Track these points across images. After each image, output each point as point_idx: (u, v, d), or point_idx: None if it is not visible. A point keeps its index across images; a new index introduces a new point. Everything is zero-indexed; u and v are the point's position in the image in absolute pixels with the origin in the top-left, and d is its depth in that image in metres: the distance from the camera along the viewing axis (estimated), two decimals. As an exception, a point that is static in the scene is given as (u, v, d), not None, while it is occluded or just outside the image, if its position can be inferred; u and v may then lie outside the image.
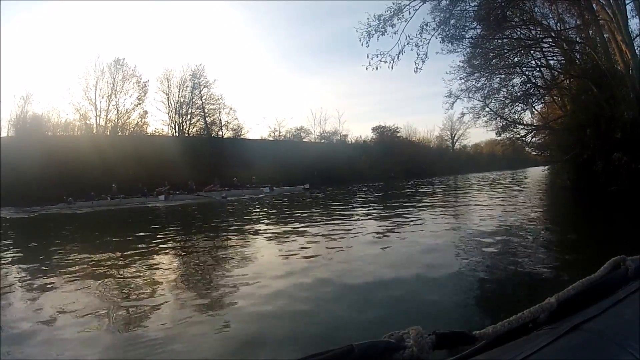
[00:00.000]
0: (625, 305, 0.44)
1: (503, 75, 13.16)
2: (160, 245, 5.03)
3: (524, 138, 13.99)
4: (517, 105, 13.26)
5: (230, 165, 21.91)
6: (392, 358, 0.34)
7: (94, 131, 26.66)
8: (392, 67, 10.34)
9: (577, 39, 11.60)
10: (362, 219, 6.57)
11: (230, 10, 61.69)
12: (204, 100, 29.97)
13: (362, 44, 10.25)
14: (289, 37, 61.57)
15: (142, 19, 54.18)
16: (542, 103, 14.47)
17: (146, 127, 29.23)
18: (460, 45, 11.87)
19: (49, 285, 3.19)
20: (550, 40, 11.96)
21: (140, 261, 4.06)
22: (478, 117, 13.75)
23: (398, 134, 40.38)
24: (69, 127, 26.71)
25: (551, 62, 13.10)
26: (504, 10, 10.49)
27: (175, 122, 29.70)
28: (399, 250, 3.95)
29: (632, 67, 9.12)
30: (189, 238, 5.71)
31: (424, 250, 3.84)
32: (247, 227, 6.65)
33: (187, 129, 29.97)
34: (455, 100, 13.45)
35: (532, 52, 12.64)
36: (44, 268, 3.88)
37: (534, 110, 14.23)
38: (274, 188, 16.89)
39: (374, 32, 10.28)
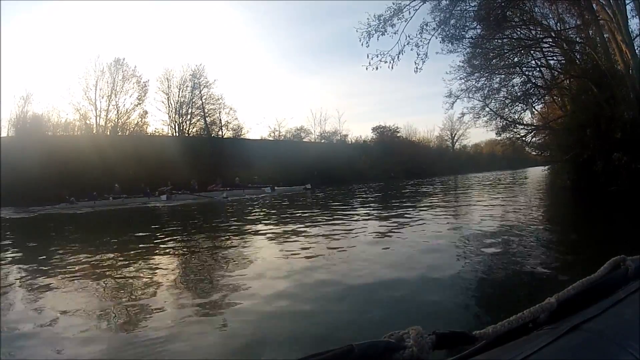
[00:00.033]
0: (625, 305, 0.44)
1: (503, 75, 13.18)
2: (161, 246, 5.03)
3: (524, 138, 14.01)
4: (517, 105, 13.29)
5: (231, 165, 21.89)
6: (392, 358, 0.34)
7: (94, 131, 26.64)
8: (392, 67, 10.36)
9: (577, 39, 11.61)
10: (363, 219, 6.57)
11: (230, 10, 61.69)
12: (204, 100, 29.97)
13: (362, 44, 10.26)
14: (289, 37, 61.57)
15: (142, 19, 54.14)
16: (542, 103, 14.50)
17: (146, 127, 29.24)
18: (460, 45, 11.89)
19: (49, 286, 3.19)
20: (550, 40, 11.96)
21: (141, 261, 4.06)
22: (478, 117, 13.78)
23: (398, 134, 40.39)
24: (69, 127, 26.71)
25: (551, 62, 13.13)
26: (504, 10, 10.50)
27: (175, 122, 29.70)
28: (399, 250, 3.95)
29: (632, 67, 9.12)
30: (190, 238, 5.71)
31: (424, 250, 3.85)
32: (248, 227, 6.65)
33: (187, 129, 29.96)
34: (455, 100, 13.47)
35: (532, 52, 12.65)
36: (44, 268, 3.88)
37: (534, 110, 14.25)
38: (275, 188, 16.86)
39: (374, 32, 10.29)
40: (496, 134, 13.92)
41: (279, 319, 2.25)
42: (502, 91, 13.43)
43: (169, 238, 5.68)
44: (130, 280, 3.31)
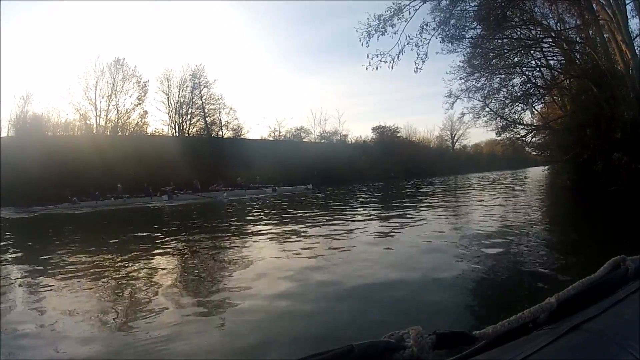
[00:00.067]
0: (625, 305, 0.44)
1: (503, 75, 13.19)
2: (161, 246, 5.03)
3: (524, 138, 14.02)
4: (517, 105, 13.30)
5: (231, 165, 21.89)
6: (392, 358, 0.34)
7: (94, 131, 26.63)
8: (392, 67, 10.37)
9: (577, 39, 11.62)
10: (363, 219, 6.57)
11: (230, 10, 61.63)
12: (204, 100, 29.96)
13: (362, 44, 10.27)
14: (289, 37, 61.53)
15: (142, 19, 54.07)
16: (542, 103, 14.51)
17: (146, 127, 29.22)
18: (460, 45, 11.90)
19: (49, 286, 3.19)
20: (550, 40, 11.97)
21: (141, 261, 4.06)
22: (478, 117, 13.79)
23: (398, 134, 40.38)
24: (69, 127, 26.69)
25: (551, 62, 13.14)
26: (504, 10, 10.50)
27: (175, 122, 29.69)
28: (399, 251, 3.95)
29: (632, 67, 9.12)
30: (190, 238, 5.71)
31: (424, 250, 3.85)
32: (248, 227, 6.65)
33: (187, 129, 29.95)
34: (455, 100, 13.48)
35: (532, 52, 12.66)
36: (44, 268, 3.88)
37: (534, 110, 14.27)
38: (277, 188, 16.83)
39: (374, 32, 10.30)
40: (496, 134, 13.95)
41: (279, 319, 2.25)
42: (502, 91, 13.46)
43: (169, 238, 5.68)
44: (130, 281, 3.31)
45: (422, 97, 71.53)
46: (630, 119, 8.77)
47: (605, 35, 10.16)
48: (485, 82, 13.00)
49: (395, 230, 5.17)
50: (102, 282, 3.26)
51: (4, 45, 37.98)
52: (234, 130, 31.44)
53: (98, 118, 27.07)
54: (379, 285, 2.74)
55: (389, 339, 0.36)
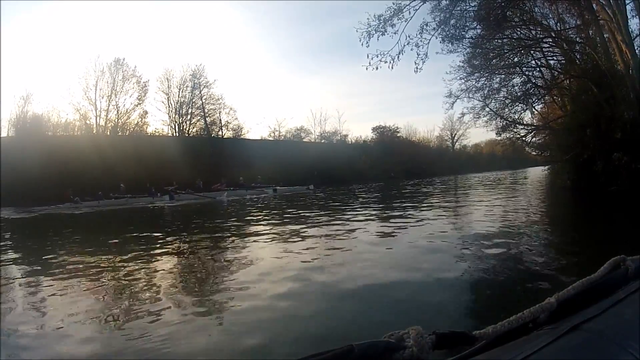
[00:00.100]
0: (625, 305, 0.44)
1: (503, 75, 13.19)
2: (161, 246, 5.03)
3: (524, 138, 14.02)
4: (517, 105, 13.30)
5: (231, 165, 21.89)
6: (392, 358, 0.34)
7: (94, 131, 26.65)
8: (392, 67, 10.37)
9: (577, 39, 11.62)
10: (363, 220, 6.57)
11: (230, 10, 61.72)
12: (204, 100, 29.97)
13: (362, 44, 10.28)
14: (289, 37, 61.60)
15: (142, 19, 54.13)
16: (542, 103, 14.52)
17: (146, 127, 29.25)
18: (460, 45, 11.91)
19: (49, 286, 3.18)
20: (550, 40, 11.97)
21: (141, 262, 4.06)
22: (478, 117, 13.80)
23: (398, 134, 40.40)
24: (69, 127, 26.72)
25: (551, 62, 13.14)
26: (504, 10, 10.50)
27: (175, 122, 29.71)
28: (400, 251, 3.95)
29: (632, 67, 9.12)
30: (191, 238, 5.71)
31: (424, 250, 3.84)
32: (249, 227, 6.65)
33: (187, 129, 29.96)
34: (455, 100, 13.49)
35: (532, 52, 12.66)
36: (45, 268, 3.88)
37: (534, 110, 14.27)
38: (277, 189, 16.80)
39: (374, 32, 10.30)
40: (496, 134, 13.95)
41: (279, 318, 2.25)
42: (502, 91, 13.46)
43: (169, 238, 5.68)
44: (130, 281, 3.30)
45: (422, 97, 71.69)
46: (630, 119, 8.77)
47: (605, 35, 10.16)
48: (485, 82, 13.02)
49: (396, 231, 5.17)
50: (102, 282, 3.26)
51: (4, 45, 37.99)
52: (234, 130, 31.49)
53: (98, 118, 27.13)
54: (379, 285, 2.73)
55: (389, 339, 0.36)
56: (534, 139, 14.55)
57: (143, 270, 3.67)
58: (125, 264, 3.94)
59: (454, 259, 3.42)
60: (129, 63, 27.91)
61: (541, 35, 11.96)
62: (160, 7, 56.77)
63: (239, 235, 5.79)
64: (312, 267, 3.41)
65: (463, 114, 14.36)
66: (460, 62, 12.84)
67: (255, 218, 8.24)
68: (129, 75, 27.71)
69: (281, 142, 33.85)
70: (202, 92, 29.75)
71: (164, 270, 3.67)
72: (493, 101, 13.41)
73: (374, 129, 39.79)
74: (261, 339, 1.97)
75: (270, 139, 34.44)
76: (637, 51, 9.35)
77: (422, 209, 8.00)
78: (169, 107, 29.41)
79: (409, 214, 6.93)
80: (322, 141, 36.86)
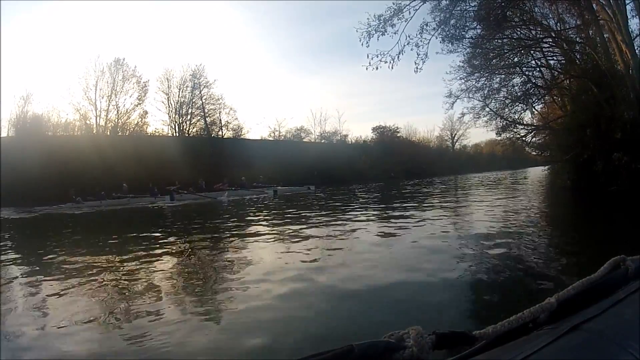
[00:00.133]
0: (625, 305, 0.44)
1: (503, 75, 13.20)
2: (162, 247, 5.03)
3: (524, 138, 14.02)
4: (517, 105, 13.30)
5: (231, 165, 21.88)
6: (392, 358, 0.34)
7: (94, 131, 26.64)
8: (392, 67, 10.38)
9: (577, 39, 11.62)
10: (363, 220, 6.57)
11: (230, 10, 61.65)
12: (204, 100, 29.96)
13: (362, 44, 10.28)
14: (289, 37, 61.56)
15: (142, 19, 54.08)
16: (542, 103, 14.52)
17: (146, 127, 29.23)
18: (460, 45, 11.91)
19: (49, 286, 3.18)
20: (550, 40, 11.97)
21: (141, 262, 4.06)
22: (478, 117, 13.80)
23: (398, 134, 40.40)
24: (69, 127, 26.71)
25: (551, 62, 13.15)
26: (504, 10, 10.50)
27: (175, 122, 29.69)
28: (400, 251, 3.95)
29: (632, 67, 9.13)
30: (191, 239, 5.72)
31: (424, 250, 3.84)
32: (249, 227, 6.65)
33: (187, 129, 29.95)
34: (455, 100, 13.49)
35: (532, 52, 12.67)
36: (44, 268, 3.88)
37: (534, 110, 14.27)
38: (278, 189, 16.77)
39: (374, 32, 10.31)
40: (496, 134, 13.95)
41: (279, 319, 2.25)
42: (502, 91, 13.47)
43: (169, 239, 5.68)
44: (131, 281, 3.30)
45: (422, 97, 71.66)
46: (630, 119, 8.77)
47: (605, 35, 10.16)
48: (485, 82, 13.02)
49: (396, 231, 5.17)
50: (102, 282, 3.26)
51: (4, 45, 37.98)
52: (234, 130, 31.48)
53: (98, 118, 27.12)
54: (379, 285, 2.74)
55: (389, 339, 0.36)
56: (534, 139, 14.57)
57: (143, 270, 3.67)
58: (125, 264, 3.94)
59: (453, 259, 3.42)
60: (129, 63, 27.92)
61: (541, 35, 11.97)
62: (160, 7, 56.77)
63: (239, 235, 5.79)
64: (312, 267, 3.41)
65: (463, 114, 14.39)
66: (460, 62, 12.87)
67: (255, 218, 8.24)
68: (129, 75, 27.73)
69: (281, 142, 33.84)
70: (202, 92, 29.77)
71: (164, 270, 3.67)
72: (493, 101, 13.44)
73: (374, 129, 39.83)
74: (261, 339, 1.97)
75: (270, 139, 34.46)
76: (637, 51, 9.36)
77: (422, 209, 8.00)
78: (169, 107, 29.44)
79: (409, 214, 6.93)
80: (322, 141, 36.86)
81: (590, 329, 0.38)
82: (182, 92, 29.52)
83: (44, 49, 46.06)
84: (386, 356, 0.34)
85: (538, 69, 13.50)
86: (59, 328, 2.23)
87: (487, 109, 13.39)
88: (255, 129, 65.77)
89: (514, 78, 13.29)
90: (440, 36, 11.09)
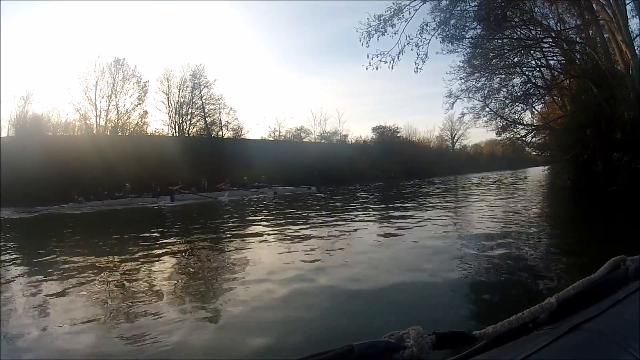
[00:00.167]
0: (625, 305, 0.44)
1: (503, 75, 13.19)
2: (162, 247, 5.03)
3: (524, 138, 14.02)
4: (517, 105, 13.30)
5: (231, 165, 21.89)
6: (392, 358, 0.34)
7: (94, 131, 26.65)
8: (392, 67, 10.37)
9: (577, 39, 11.62)
10: (363, 220, 6.57)
11: (230, 10, 61.74)
12: (204, 101, 29.98)
13: (362, 44, 10.27)
14: (289, 37, 61.63)
15: (142, 19, 54.17)
16: (542, 103, 14.51)
17: (146, 127, 29.26)
18: (461, 45, 11.91)
19: (49, 286, 3.18)
20: (550, 40, 11.97)
21: (141, 263, 4.06)
22: (478, 117, 13.80)
23: (398, 134, 40.40)
24: (69, 127, 26.74)
25: (551, 62, 13.14)
26: (504, 10, 10.50)
27: (175, 122, 29.71)
28: (400, 251, 3.95)
29: (632, 67, 9.12)
30: (191, 239, 5.72)
31: (424, 251, 3.84)
32: (249, 228, 6.65)
33: (187, 129, 29.96)
34: (455, 101, 13.49)
35: (532, 52, 12.66)
36: (44, 269, 3.87)
37: (534, 110, 14.27)
38: (277, 192, 16.76)
39: (374, 32, 10.30)
40: (496, 134, 13.95)
41: (279, 319, 2.25)
42: (502, 91, 13.46)
43: (169, 239, 5.68)
44: (131, 281, 3.30)
45: (422, 97, 71.67)
46: (630, 119, 8.76)
47: (605, 35, 10.16)
48: (485, 82, 13.02)
49: (396, 231, 5.17)
50: (102, 282, 3.26)
51: (4, 45, 38.00)
52: (234, 130, 31.50)
53: (98, 118, 27.13)
54: (379, 286, 2.73)
55: (389, 339, 0.36)
56: (534, 139, 14.57)
57: (143, 270, 3.67)
58: (125, 264, 3.94)
59: (454, 259, 3.42)
60: (129, 63, 27.96)
61: (541, 35, 11.97)
62: (160, 7, 56.84)
63: (239, 235, 5.79)
64: (312, 267, 3.41)
65: (463, 114, 14.38)
66: (460, 62, 12.86)
67: (255, 218, 8.24)
68: (129, 75, 27.75)
69: (281, 142, 33.84)
70: (202, 92, 29.79)
71: (164, 270, 3.67)
72: (493, 101, 13.43)
73: (374, 129, 39.83)
74: (261, 339, 1.97)
75: (270, 139, 34.47)
76: (637, 51, 9.36)
77: (423, 209, 8.00)
78: (169, 107, 29.46)
79: (409, 214, 6.93)
80: (322, 141, 36.85)
81: (590, 329, 0.38)
82: (182, 92, 29.57)
83: (44, 49, 46.16)
84: (386, 356, 0.34)
85: (538, 69, 13.51)
86: (59, 328, 2.23)
87: (487, 109, 13.40)
88: (255, 129, 65.87)
89: (514, 78, 13.31)
90: (440, 36, 11.10)
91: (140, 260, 4.12)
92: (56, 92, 52.44)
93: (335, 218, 7.05)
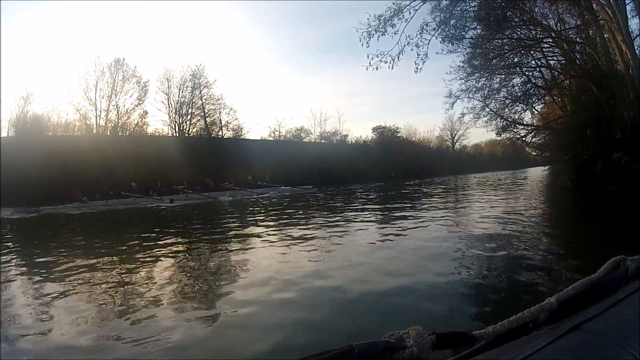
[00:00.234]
0: (625, 305, 0.44)
1: (503, 76, 13.19)
2: (162, 248, 5.03)
3: (524, 138, 14.01)
4: (517, 106, 13.30)
5: (231, 165, 21.89)
6: (392, 358, 0.34)
7: (94, 131, 26.63)
8: (392, 67, 10.35)
9: (577, 39, 11.61)
10: (363, 221, 6.58)
11: (230, 10, 61.55)
12: (204, 101, 29.94)
13: (362, 44, 10.25)
14: (289, 37, 61.52)
15: (142, 19, 53.96)
16: (542, 103, 14.50)
17: (146, 127, 29.21)
18: (461, 46, 11.90)
19: (48, 287, 3.19)
20: (550, 41, 11.96)
21: (141, 264, 4.07)
22: (478, 118, 13.79)
23: (398, 134, 40.34)
24: (69, 127, 26.70)
25: (551, 62, 13.14)
26: (504, 11, 10.50)
27: (176, 122, 29.67)
28: (400, 252, 3.95)
29: (632, 67, 9.12)
30: (191, 240, 5.72)
31: (424, 251, 3.85)
32: (249, 229, 6.65)
33: (187, 129, 29.93)
34: (456, 101, 13.48)
35: (532, 52, 12.66)
36: (44, 269, 3.88)
37: (534, 110, 14.27)
38: (280, 189, 16.78)
39: (374, 32, 10.29)
40: (496, 134, 13.94)
41: (280, 319, 2.25)
42: (502, 91, 13.46)
43: (170, 239, 5.68)
44: (131, 282, 3.31)
45: (422, 97, 71.52)
46: (630, 119, 8.76)
47: (605, 35, 10.16)
48: (485, 82, 13.02)
49: (396, 231, 5.17)
50: (103, 283, 3.26)
51: (4, 45, 37.99)
52: (234, 130, 31.45)
53: (98, 118, 27.09)
54: (379, 286, 2.74)
55: (389, 339, 0.36)
56: (534, 139, 14.57)
57: (143, 271, 3.67)
58: (125, 265, 3.94)
59: (453, 260, 3.42)
60: (129, 63, 27.89)
61: (541, 36, 11.96)
62: (160, 7, 56.72)
63: (240, 237, 5.80)
64: (312, 268, 3.41)
65: (463, 114, 14.37)
66: (460, 62, 12.86)
67: (255, 219, 8.24)
68: (129, 75, 27.70)
69: (281, 142, 33.81)
70: (202, 92, 29.74)
71: (164, 271, 3.67)
72: (493, 101, 13.43)
73: (374, 129, 39.77)
74: (261, 339, 1.97)
75: (270, 139, 34.41)
76: (637, 51, 9.35)
77: (423, 209, 8.00)
78: (169, 107, 29.41)
79: (410, 215, 6.93)
80: (322, 141, 36.81)
81: (590, 329, 0.38)
82: (182, 92, 29.52)
83: (44, 49, 46.04)
84: (386, 356, 0.34)
85: (538, 69, 13.51)
86: (58, 328, 2.23)
87: (487, 109, 13.40)
88: (255, 129, 65.86)
89: (514, 78, 13.31)
90: (440, 36, 11.09)
91: (141, 261, 4.13)
92: (56, 92, 52.44)
93: (335, 218, 7.05)
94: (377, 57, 10.28)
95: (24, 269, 4.03)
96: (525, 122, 13.66)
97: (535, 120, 14.55)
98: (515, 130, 13.56)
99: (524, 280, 2.75)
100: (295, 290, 2.73)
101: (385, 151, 35.20)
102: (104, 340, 2.05)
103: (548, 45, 12.23)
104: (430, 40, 10.66)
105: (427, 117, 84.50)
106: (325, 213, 8.13)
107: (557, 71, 12.99)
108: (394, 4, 10.20)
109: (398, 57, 10.29)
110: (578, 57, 11.72)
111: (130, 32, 54.61)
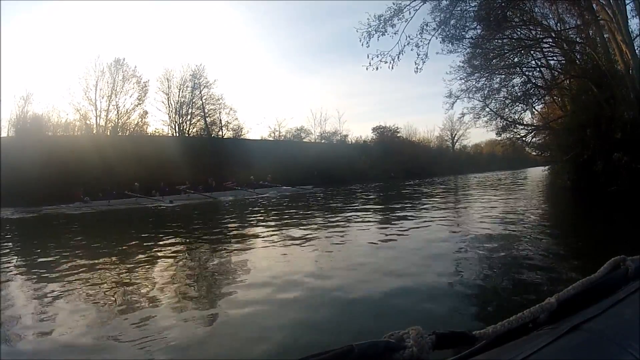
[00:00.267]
0: (625, 305, 0.44)
1: (503, 76, 13.19)
2: (162, 248, 5.03)
3: (524, 138, 14.01)
4: (517, 106, 13.30)
5: (231, 165, 21.89)
6: (392, 358, 0.34)
7: (94, 131, 26.62)
8: (392, 67, 10.35)
9: (577, 39, 11.61)
10: (363, 221, 6.57)
11: (230, 10, 61.54)
12: (204, 101, 29.95)
13: (362, 44, 10.25)
14: (289, 37, 61.53)
15: (142, 19, 53.95)
16: (542, 103, 14.50)
17: (146, 127, 29.21)
18: (461, 46, 11.90)
19: (48, 287, 3.18)
20: (551, 41, 11.96)
21: (142, 264, 4.07)
22: (478, 118, 13.79)
23: (398, 134, 40.34)
24: (69, 127, 26.70)
25: (551, 62, 13.14)
26: (504, 11, 10.50)
27: (176, 122, 29.67)
28: (400, 252, 3.96)
29: (632, 67, 9.12)
30: (191, 240, 5.72)
31: (424, 251, 3.85)
32: (249, 229, 6.66)
33: (187, 129, 29.93)
34: (456, 101, 13.48)
35: (532, 52, 12.66)
36: (44, 269, 3.87)
37: (534, 110, 14.27)
38: (281, 189, 16.80)
39: (374, 32, 10.29)
40: (496, 134, 13.94)
41: (280, 319, 2.25)
42: (502, 91, 13.46)
43: (170, 240, 5.68)
44: (131, 283, 3.30)
45: (422, 97, 71.48)
46: (630, 119, 8.76)
47: (605, 35, 10.16)
48: (486, 82, 13.02)
49: (396, 232, 5.17)
50: (103, 283, 3.26)
51: (4, 45, 37.99)
52: (234, 130, 31.45)
53: (98, 118, 27.09)
54: (380, 286, 2.73)
55: (389, 339, 0.36)
56: (534, 139, 14.56)
57: (144, 271, 3.67)
58: (125, 265, 3.94)
59: (454, 260, 3.42)
60: (129, 63, 27.90)
61: (541, 36, 11.96)
62: (160, 7, 56.70)
63: (240, 237, 5.80)
64: (313, 268, 3.41)
65: (463, 114, 14.37)
66: (460, 62, 12.86)
67: (256, 219, 8.24)
68: (129, 75, 27.70)
69: (281, 142, 33.81)
70: (202, 92, 29.75)
71: (164, 272, 3.67)
72: (493, 101, 13.43)
73: (374, 129, 39.76)
74: (261, 339, 1.97)
75: (270, 139, 34.41)
76: (637, 51, 9.35)
77: (423, 209, 8.00)
78: (169, 107, 29.41)
79: (410, 215, 6.93)
80: (322, 141, 36.81)
81: (590, 329, 0.38)
82: (182, 92, 29.52)
83: (44, 49, 46.01)
84: (386, 356, 0.34)
85: (538, 69, 13.51)
86: (58, 328, 2.23)
87: (487, 109, 13.40)
88: (255, 129, 65.83)
89: (514, 78, 13.31)
90: (441, 36, 11.09)
91: (141, 260, 4.13)
92: (56, 92, 52.37)
93: (335, 218, 7.05)
94: (377, 57, 10.28)
95: (24, 269, 4.03)
96: (525, 122, 13.69)
97: (535, 120, 14.57)
98: (515, 130, 13.57)
99: (524, 280, 2.75)
100: (296, 290, 2.73)
101: (385, 151, 35.19)
102: (104, 340, 2.05)
103: (548, 45, 12.24)
104: (430, 40, 10.66)
105: (427, 117, 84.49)
106: (326, 213, 8.13)
107: (557, 71, 12.99)
108: (394, 4, 10.21)
109: (398, 57, 10.29)
110: (578, 57, 11.72)
111: (130, 32, 54.62)
